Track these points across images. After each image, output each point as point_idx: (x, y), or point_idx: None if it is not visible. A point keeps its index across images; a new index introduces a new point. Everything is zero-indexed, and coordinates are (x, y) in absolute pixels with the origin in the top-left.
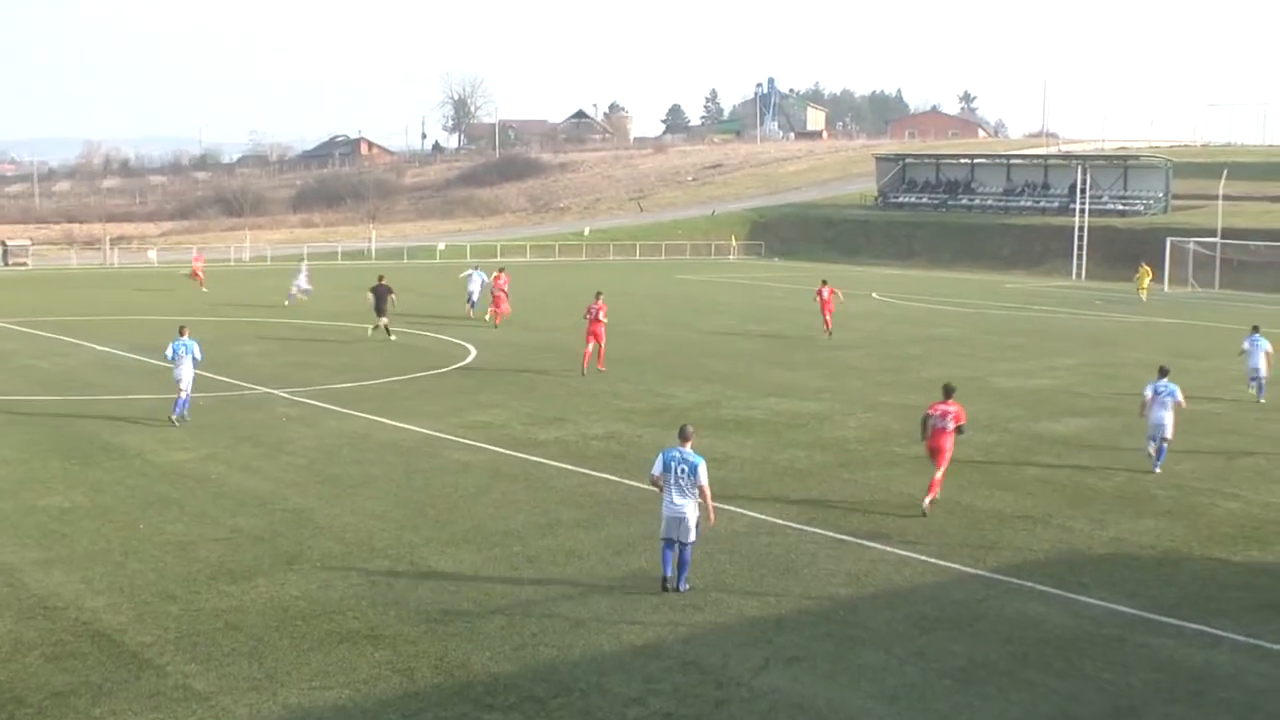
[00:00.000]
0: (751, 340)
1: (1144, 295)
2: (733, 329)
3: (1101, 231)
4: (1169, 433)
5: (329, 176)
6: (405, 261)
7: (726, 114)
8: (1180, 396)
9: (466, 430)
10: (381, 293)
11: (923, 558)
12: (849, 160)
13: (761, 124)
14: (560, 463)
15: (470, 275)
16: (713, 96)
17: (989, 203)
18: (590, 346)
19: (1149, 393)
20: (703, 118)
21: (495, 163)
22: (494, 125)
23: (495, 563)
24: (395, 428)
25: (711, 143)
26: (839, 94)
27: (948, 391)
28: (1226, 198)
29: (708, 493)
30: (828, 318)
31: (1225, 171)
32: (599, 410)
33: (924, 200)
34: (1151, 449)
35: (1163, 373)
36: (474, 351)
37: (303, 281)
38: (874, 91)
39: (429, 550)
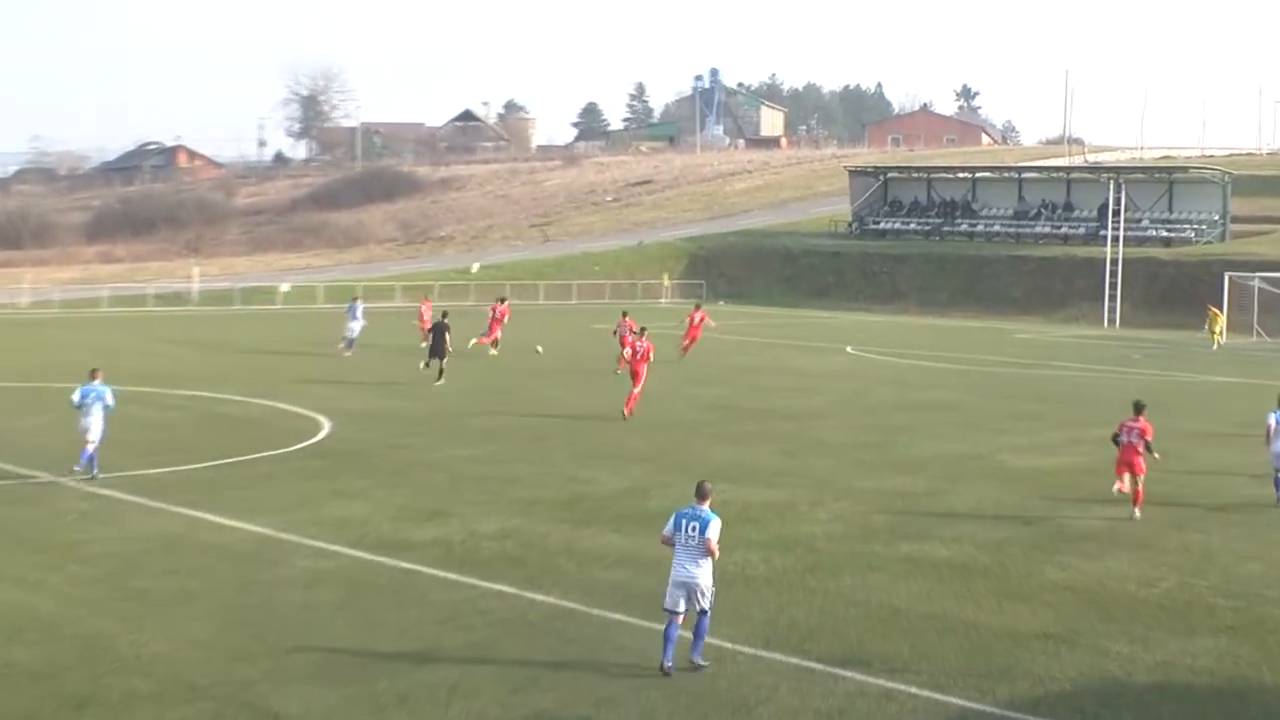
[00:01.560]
0: (691, 407)
1: (1218, 340)
2: (666, 393)
3: (1141, 265)
4: None
5: (137, 196)
6: (236, 308)
7: (657, 116)
8: None
9: (319, 529)
10: (441, 330)
11: (913, 690)
12: (815, 174)
13: (702, 128)
14: (441, 570)
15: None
16: (639, 93)
17: (996, 229)
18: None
19: (1272, 421)
20: (627, 120)
21: (356, 178)
22: (354, 130)
23: (355, 704)
24: (224, 527)
25: (638, 152)
26: (801, 90)
27: (1138, 408)
28: None
29: (713, 548)
30: (688, 343)
31: None
32: (492, 500)
33: (912, 226)
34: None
35: None
36: (328, 424)
37: (357, 324)
38: (847, 86)
39: (268, 688)
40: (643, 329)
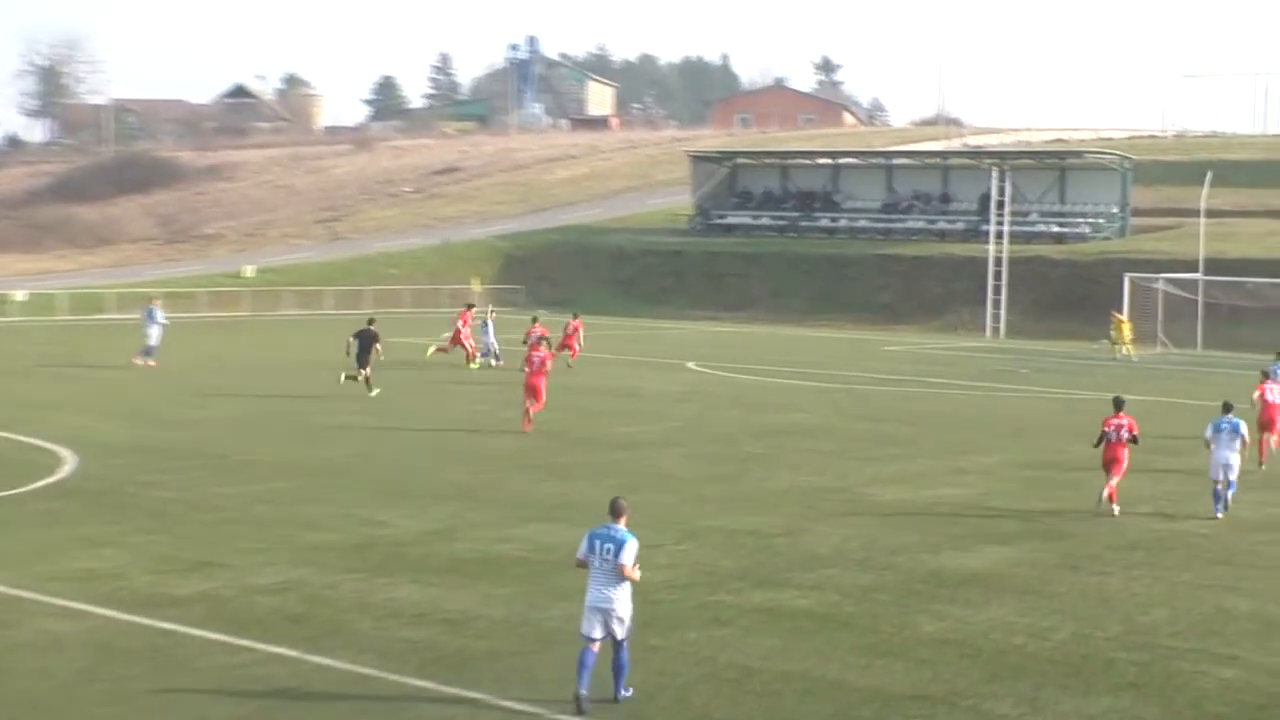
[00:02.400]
0: (506, 436)
1: (1131, 350)
2: (478, 419)
3: (1029, 265)
4: (1235, 474)
5: None
6: None
7: (465, 92)
8: (1245, 432)
9: (60, 584)
10: (368, 339)
11: None
12: (651, 161)
13: (518, 107)
14: (209, 631)
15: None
16: (443, 65)
17: (861, 224)
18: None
19: (1209, 432)
20: (429, 98)
21: (106, 165)
22: (103, 108)
23: None
24: None
25: (442, 135)
26: (635, 62)
27: (1119, 404)
28: (1212, 214)
29: (630, 573)
30: (576, 347)
31: (1210, 175)
32: (270, 548)
33: (764, 220)
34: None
35: (1226, 409)
36: (73, 459)
37: (156, 329)
38: (688, 58)
39: None
40: (541, 338)
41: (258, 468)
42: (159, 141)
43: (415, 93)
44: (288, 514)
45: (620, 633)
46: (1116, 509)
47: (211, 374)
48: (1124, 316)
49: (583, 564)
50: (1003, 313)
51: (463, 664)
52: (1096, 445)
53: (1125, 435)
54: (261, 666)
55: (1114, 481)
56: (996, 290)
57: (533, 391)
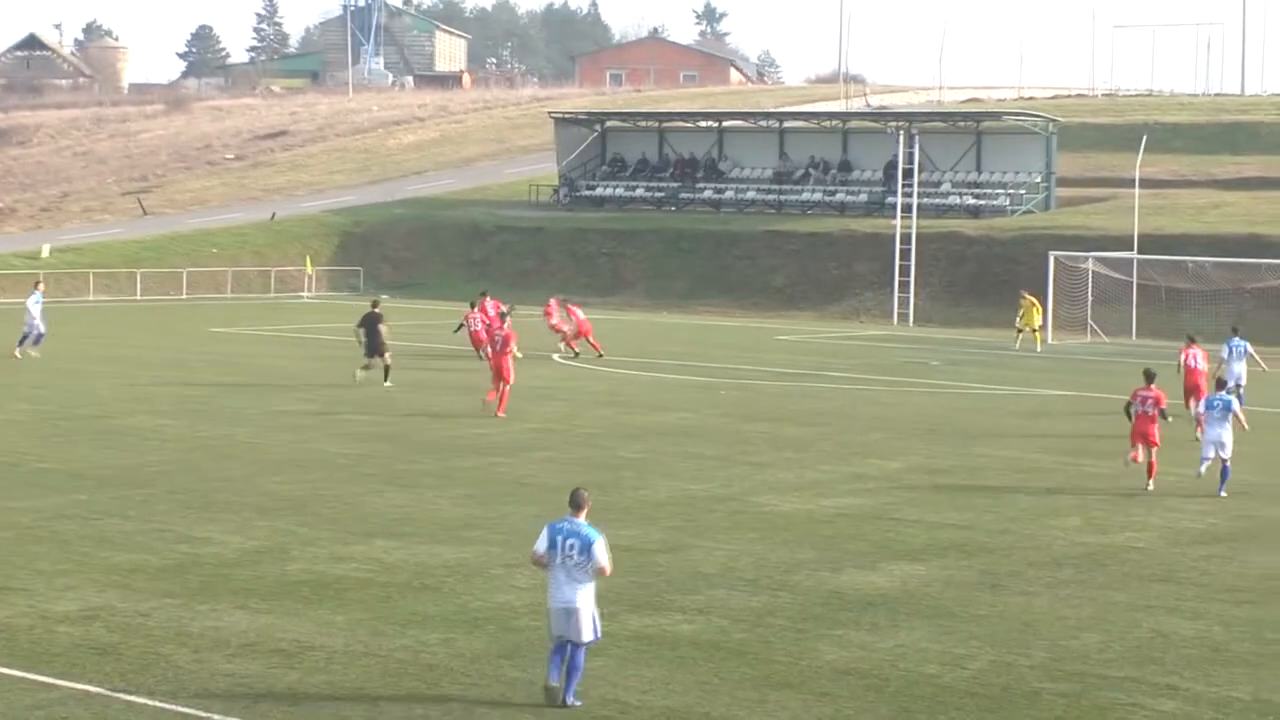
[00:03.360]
0: (344, 439)
1: (1037, 340)
2: (310, 420)
3: (941, 243)
4: (1229, 452)
5: None
6: None
7: (295, 44)
8: (1239, 409)
9: None
10: (373, 323)
11: None
12: (509, 124)
13: (356, 61)
14: (1, 666)
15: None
16: (270, 14)
17: (750, 195)
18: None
19: (1201, 408)
20: (253, 51)
21: None
22: None
23: None
24: None
25: (269, 94)
26: (490, 10)
27: (1150, 376)
28: (1147, 183)
29: (607, 569)
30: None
31: (1144, 139)
32: (73, 570)
33: (639, 192)
34: (1204, 468)
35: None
36: None
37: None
38: (551, 5)
39: None
40: (504, 312)
41: (55, 477)
42: None
43: (237, 46)
44: (92, 531)
45: (583, 637)
46: (1151, 485)
47: (1, 370)
48: (1034, 298)
49: (540, 562)
50: (911, 297)
51: (298, 702)
52: (1126, 410)
53: (1154, 409)
54: (63, 706)
55: (1152, 455)
56: (904, 272)
57: (500, 373)
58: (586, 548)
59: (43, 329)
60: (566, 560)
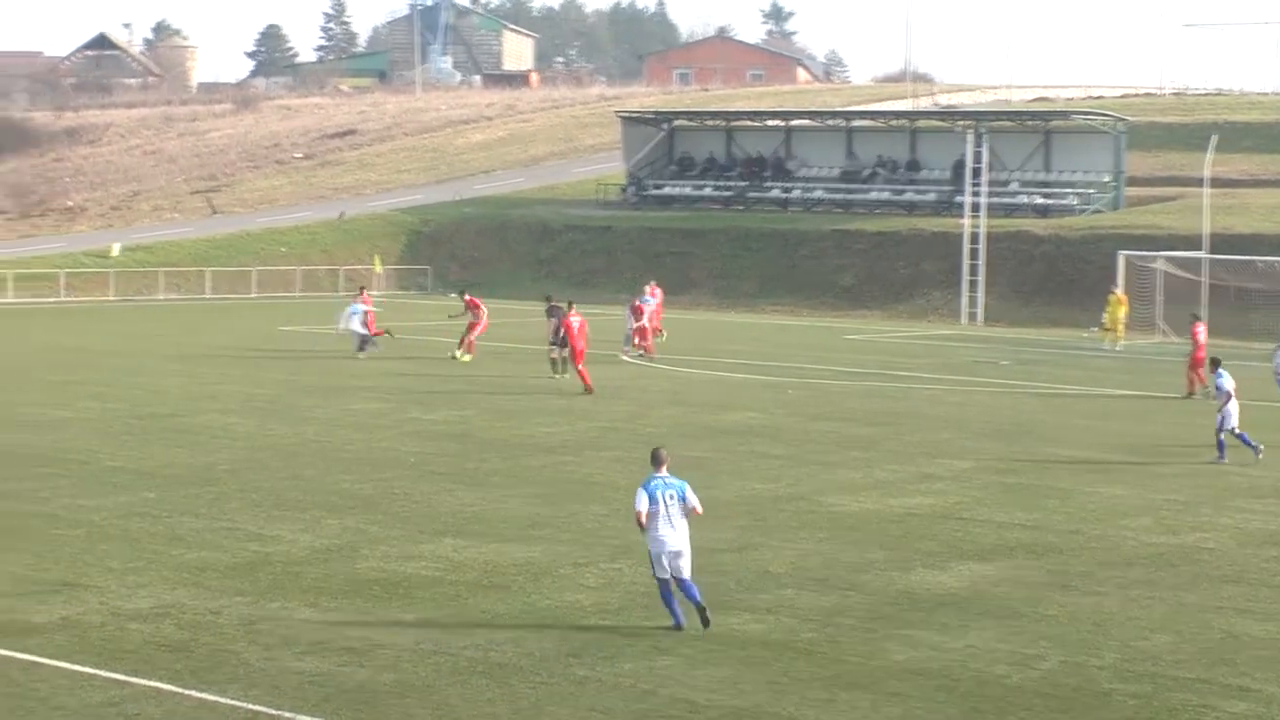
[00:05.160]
0: (413, 437)
1: (1119, 338)
2: (379, 419)
3: (1010, 243)
4: None
5: None
6: None
7: (363, 43)
8: None
9: None
10: (558, 314)
11: None
12: (577, 123)
13: (424, 61)
14: (74, 664)
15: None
16: (337, 13)
17: (818, 194)
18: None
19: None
20: (321, 50)
21: None
22: None
23: None
24: None
25: (337, 93)
26: (558, 9)
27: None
28: (1217, 183)
29: (699, 512)
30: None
31: (1214, 139)
32: (144, 568)
33: (707, 191)
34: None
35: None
36: None
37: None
38: (618, 5)
39: None
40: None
41: (126, 476)
42: (9, 100)
43: (305, 45)
44: (162, 529)
45: (687, 571)
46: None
47: (73, 368)
48: (1123, 295)
49: (646, 518)
50: (980, 296)
51: (368, 699)
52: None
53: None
54: (135, 703)
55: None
56: (973, 271)
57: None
58: (683, 494)
59: (363, 332)
60: (669, 509)
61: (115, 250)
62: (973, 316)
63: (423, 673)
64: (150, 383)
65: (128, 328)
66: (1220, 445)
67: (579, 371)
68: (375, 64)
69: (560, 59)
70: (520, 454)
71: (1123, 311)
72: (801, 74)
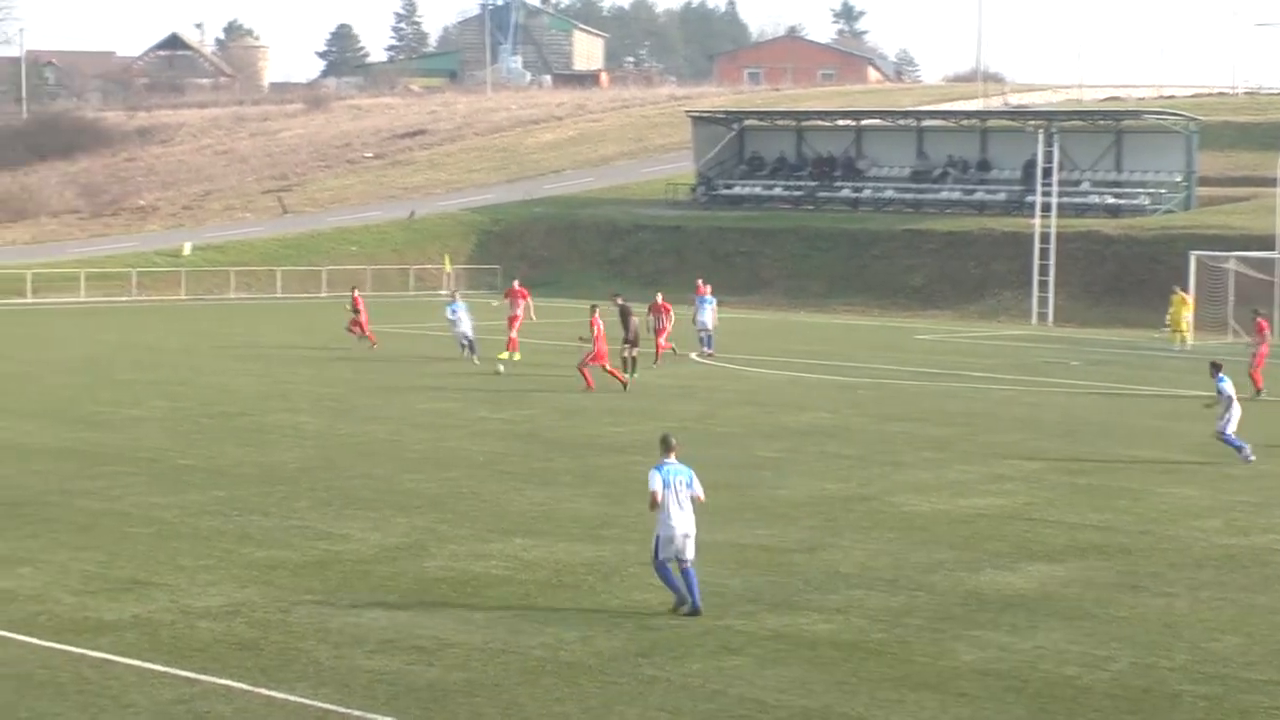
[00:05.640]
0: (481, 437)
1: (1184, 338)
2: (447, 418)
3: (1081, 242)
4: None
5: None
6: None
7: (433, 43)
8: None
9: None
10: (626, 315)
11: None
12: (647, 122)
13: (495, 60)
14: (145, 661)
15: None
16: (408, 12)
17: (888, 194)
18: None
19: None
20: (392, 50)
21: (21, 128)
22: (17, 61)
23: None
24: None
25: (408, 93)
26: (628, 9)
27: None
28: None
29: (702, 499)
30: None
31: None
32: (215, 566)
33: (777, 190)
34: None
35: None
36: None
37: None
38: (689, 4)
39: None
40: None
41: (196, 474)
42: (82, 100)
43: (376, 44)
44: (232, 527)
45: (691, 552)
46: None
47: (144, 367)
48: (1185, 295)
49: (659, 502)
50: (1050, 296)
51: (437, 698)
52: None
53: None
54: (205, 701)
55: None
56: (1043, 271)
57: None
58: (690, 481)
59: (470, 335)
60: (679, 494)
61: (187, 250)
62: (1043, 317)
63: (492, 671)
64: (221, 381)
65: (199, 327)
66: (1238, 447)
67: (608, 371)
68: (446, 64)
69: (630, 59)
70: (588, 453)
71: (1186, 312)
72: (872, 73)
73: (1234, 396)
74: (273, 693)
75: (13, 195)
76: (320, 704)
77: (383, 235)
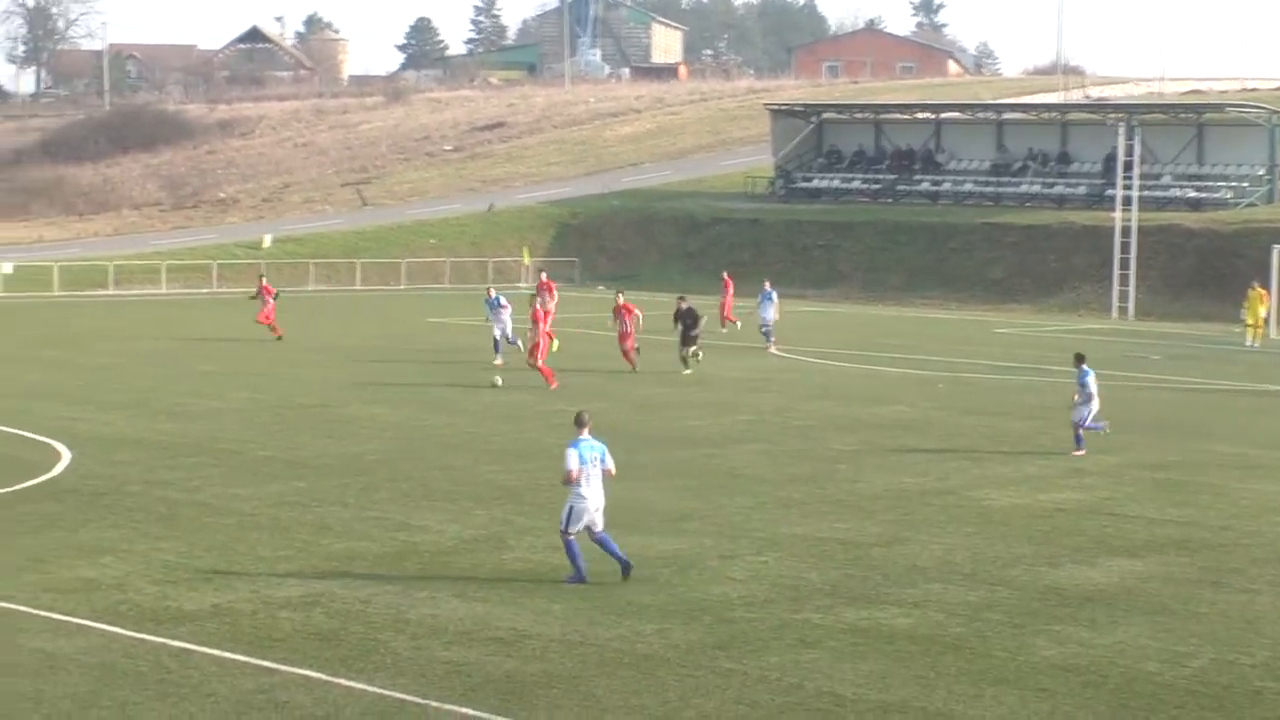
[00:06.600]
0: (560, 430)
1: (1257, 335)
2: (525, 410)
3: (1162, 236)
4: None
5: None
6: None
7: (512, 36)
8: None
9: (55, 596)
10: (686, 316)
11: None
12: (725, 115)
13: (573, 53)
14: (225, 651)
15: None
16: (487, 6)
17: (968, 187)
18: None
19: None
20: (471, 43)
21: (104, 120)
22: (100, 54)
23: None
24: None
25: (487, 85)
26: (706, 1)
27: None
28: None
29: (613, 473)
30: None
31: None
32: (294, 556)
33: (856, 184)
34: None
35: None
36: (68, 455)
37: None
38: None
39: None
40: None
41: (276, 465)
42: (164, 93)
43: (455, 37)
44: (312, 518)
45: (602, 523)
46: None
47: (225, 358)
48: (1263, 290)
49: (576, 479)
50: (1131, 290)
51: (514, 689)
52: None
53: None
54: (285, 690)
55: None
56: (1124, 265)
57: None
58: (604, 456)
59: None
60: (593, 469)
61: (267, 242)
62: (1123, 311)
63: (569, 663)
64: (300, 373)
65: (280, 319)
66: (1078, 438)
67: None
68: (524, 57)
69: (709, 51)
70: (666, 446)
71: (1263, 308)
72: (952, 66)
73: (1095, 393)
74: (351, 683)
75: (96, 187)
76: (398, 694)
77: (461, 228)
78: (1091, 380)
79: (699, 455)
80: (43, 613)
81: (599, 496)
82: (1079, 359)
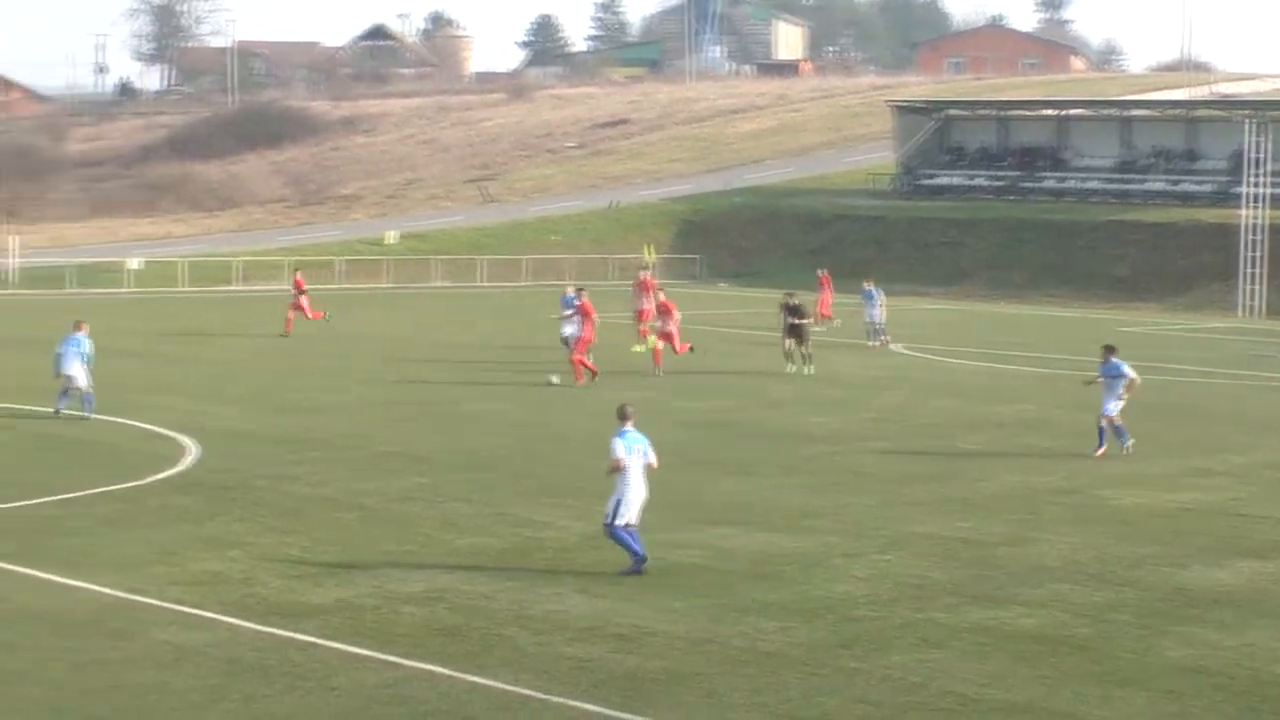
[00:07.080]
0: (682, 427)
1: None
2: (647, 406)
3: None
4: None
5: None
6: (69, 292)
7: (635, 33)
8: None
9: (183, 589)
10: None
11: None
12: (848, 112)
13: (696, 50)
14: (349, 645)
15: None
16: (611, 2)
17: (1093, 185)
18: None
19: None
20: (593, 40)
21: (230, 117)
22: (227, 52)
23: None
24: (54, 586)
25: (609, 82)
26: None
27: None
28: None
29: (655, 468)
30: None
31: None
32: (418, 549)
33: (979, 181)
34: None
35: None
36: (195, 449)
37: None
38: None
39: None
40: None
41: (398, 460)
42: (289, 90)
43: (577, 34)
44: (435, 513)
45: (638, 518)
46: None
47: (349, 354)
48: None
49: (621, 467)
50: (1260, 289)
51: (637, 686)
52: None
53: None
54: (409, 685)
55: None
56: (1252, 263)
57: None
58: (646, 450)
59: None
60: (636, 461)
61: (392, 238)
62: (1251, 310)
63: (692, 661)
64: (423, 369)
65: (403, 314)
66: (1101, 433)
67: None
68: (647, 53)
69: (831, 48)
70: (788, 443)
71: None
72: (1076, 63)
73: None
74: (475, 678)
75: (222, 184)
76: (521, 690)
77: (584, 225)
78: (1128, 369)
79: (822, 452)
80: (171, 605)
81: (641, 489)
82: (1108, 350)
